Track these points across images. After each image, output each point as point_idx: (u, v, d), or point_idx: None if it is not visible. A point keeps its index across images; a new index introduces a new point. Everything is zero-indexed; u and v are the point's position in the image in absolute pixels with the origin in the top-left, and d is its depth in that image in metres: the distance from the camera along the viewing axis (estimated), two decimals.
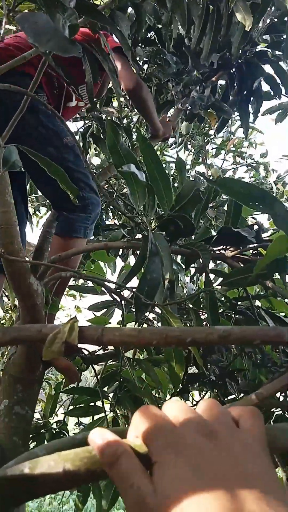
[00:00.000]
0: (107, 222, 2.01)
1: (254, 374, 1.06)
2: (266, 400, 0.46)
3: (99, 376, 1.28)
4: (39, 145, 1.23)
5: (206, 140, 2.63)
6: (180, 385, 1.05)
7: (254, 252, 0.90)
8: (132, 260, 1.80)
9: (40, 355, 1.10)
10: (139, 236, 0.93)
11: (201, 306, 0.88)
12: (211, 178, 2.33)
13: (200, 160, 2.73)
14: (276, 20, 1.44)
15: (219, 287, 0.78)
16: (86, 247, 1.02)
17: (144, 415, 0.31)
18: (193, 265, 0.95)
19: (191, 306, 0.82)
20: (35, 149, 0.76)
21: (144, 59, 1.62)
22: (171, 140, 2.34)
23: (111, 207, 1.84)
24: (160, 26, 1.46)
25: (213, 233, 0.97)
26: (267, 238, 0.86)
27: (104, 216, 1.96)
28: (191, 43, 1.27)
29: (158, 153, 2.42)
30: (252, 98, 1.57)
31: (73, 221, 1.21)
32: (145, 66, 1.74)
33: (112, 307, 1.48)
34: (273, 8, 1.41)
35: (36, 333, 0.43)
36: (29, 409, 1.03)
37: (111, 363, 1.33)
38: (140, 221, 0.86)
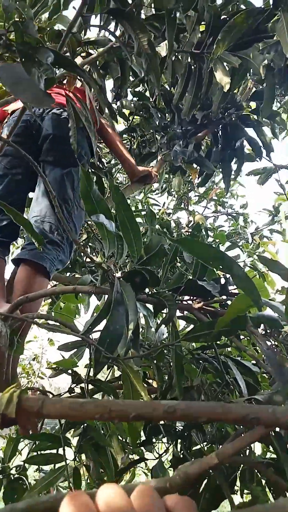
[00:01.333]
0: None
1: (221, 424, 1.04)
2: (227, 459, 0.45)
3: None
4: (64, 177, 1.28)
5: (189, 188, 2.71)
6: (144, 436, 1.02)
7: (222, 303, 0.90)
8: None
9: None
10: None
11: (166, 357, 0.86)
12: (194, 224, 2.39)
13: (182, 205, 2.79)
14: (261, 87, 1.52)
15: (184, 341, 0.77)
16: (54, 289, 1.00)
17: (73, 505, 0.29)
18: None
19: (154, 361, 0.81)
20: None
21: (130, 111, 1.69)
22: (155, 185, 2.40)
23: (89, 244, 1.85)
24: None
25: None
26: (234, 292, 0.86)
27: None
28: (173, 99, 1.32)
29: (142, 195, 2.47)
30: (234, 158, 1.65)
31: (44, 252, 1.21)
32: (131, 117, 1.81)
33: (82, 347, 1.45)
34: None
35: None
36: None
37: None
38: (107, 267, 0.86)
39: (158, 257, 0.79)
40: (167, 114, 1.69)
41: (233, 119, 1.69)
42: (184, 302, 0.89)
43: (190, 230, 2.47)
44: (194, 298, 0.88)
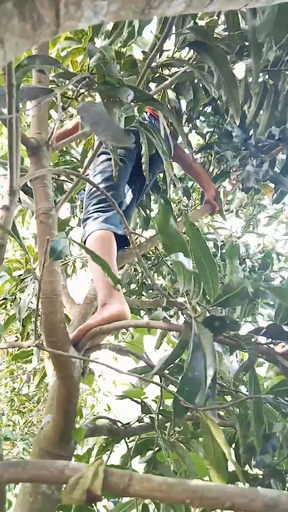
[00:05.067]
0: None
1: None
2: None
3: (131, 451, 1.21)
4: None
5: (259, 210, 2.60)
6: None
7: None
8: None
9: (71, 429, 1.07)
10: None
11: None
12: (264, 248, 2.29)
13: (251, 228, 2.68)
14: None
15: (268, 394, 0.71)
16: (128, 322, 0.99)
17: None
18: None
19: (236, 410, 0.76)
20: None
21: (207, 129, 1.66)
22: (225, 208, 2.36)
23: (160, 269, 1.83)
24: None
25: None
26: None
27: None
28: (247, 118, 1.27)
29: (209, 218, 2.42)
30: None
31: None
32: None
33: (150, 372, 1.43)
34: None
35: (58, 474, 0.40)
36: (56, 488, 0.99)
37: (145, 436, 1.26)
38: (183, 306, 0.83)
39: (238, 298, 0.74)
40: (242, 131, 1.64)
41: None
42: (265, 345, 0.83)
43: (260, 256, 2.37)
44: (275, 342, 0.82)
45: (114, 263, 1.24)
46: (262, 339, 0.86)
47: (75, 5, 0.28)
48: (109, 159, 1.46)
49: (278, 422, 0.95)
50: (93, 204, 1.40)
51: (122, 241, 1.42)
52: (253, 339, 0.82)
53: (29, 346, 0.67)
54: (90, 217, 1.35)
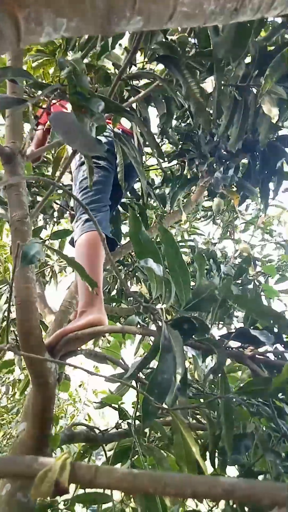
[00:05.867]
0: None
1: (277, 471, 0.98)
2: None
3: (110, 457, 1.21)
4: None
5: (235, 216, 2.67)
6: None
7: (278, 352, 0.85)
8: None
9: (47, 436, 1.06)
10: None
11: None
12: (240, 253, 2.34)
13: (228, 234, 2.74)
14: None
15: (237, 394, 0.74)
16: (102, 328, 1.01)
17: None
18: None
19: (205, 410, 0.78)
20: None
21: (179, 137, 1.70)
22: (201, 214, 2.40)
23: (136, 274, 1.85)
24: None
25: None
26: None
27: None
28: (217, 130, 1.31)
29: (187, 224, 2.47)
30: (273, 177, 1.60)
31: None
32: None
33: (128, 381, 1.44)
34: None
35: (25, 468, 0.41)
36: (31, 496, 0.98)
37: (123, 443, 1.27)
38: (155, 311, 0.85)
39: (207, 302, 0.77)
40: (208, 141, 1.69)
41: (272, 139, 1.65)
42: (235, 349, 0.85)
43: (237, 261, 2.42)
44: (245, 345, 0.85)
45: (100, 265, 1.25)
46: (235, 344, 0.89)
47: (35, 21, 0.30)
48: (95, 167, 1.48)
49: (250, 423, 0.97)
50: (86, 204, 1.40)
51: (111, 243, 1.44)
52: (223, 344, 0.84)
53: (1, 350, 0.68)
54: (80, 218, 1.36)
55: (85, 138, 0.77)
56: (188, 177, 1.88)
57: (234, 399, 0.80)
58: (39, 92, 0.78)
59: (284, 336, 0.79)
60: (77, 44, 1.36)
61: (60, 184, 0.88)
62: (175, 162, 1.94)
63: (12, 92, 1.08)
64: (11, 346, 0.62)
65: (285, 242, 2.75)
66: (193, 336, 0.81)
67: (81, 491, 1.17)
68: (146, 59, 1.27)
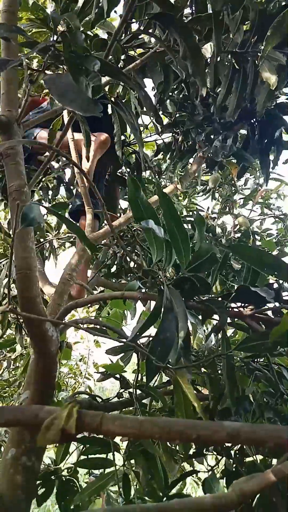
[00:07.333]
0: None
1: None
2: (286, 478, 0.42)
3: None
4: None
5: (233, 190, 2.64)
6: (194, 449, 1.00)
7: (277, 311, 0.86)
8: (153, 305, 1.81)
9: (49, 404, 1.08)
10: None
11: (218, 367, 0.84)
12: (239, 227, 2.33)
13: (227, 209, 2.72)
14: None
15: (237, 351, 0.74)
16: (103, 295, 1.01)
17: None
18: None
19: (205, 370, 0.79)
20: None
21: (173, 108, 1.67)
22: (198, 188, 2.38)
23: (136, 250, 1.84)
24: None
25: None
26: None
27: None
28: (217, 99, 1.28)
29: (186, 200, 2.45)
30: (272, 147, 1.58)
31: None
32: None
33: (129, 351, 1.45)
34: None
35: (32, 418, 0.41)
36: (36, 459, 1.00)
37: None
38: (156, 274, 0.85)
39: (208, 264, 0.77)
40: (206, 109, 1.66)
41: (270, 107, 1.61)
42: (235, 309, 0.86)
43: (236, 235, 2.40)
44: (245, 305, 0.85)
45: None
46: (234, 305, 0.89)
47: None
48: None
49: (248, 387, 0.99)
50: None
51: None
52: (224, 304, 0.85)
53: (3, 312, 0.68)
54: None
55: (81, 98, 0.75)
56: (182, 148, 1.85)
57: (234, 358, 0.81)
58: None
59: (284, 294, 0.79)
60: (70, 10, 1.32)
61: (58, 149, 0.86)
62: (169, 134, 1.91)
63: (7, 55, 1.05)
64: (13, 307, 0.62)
65: (283, 216, 2.74)
66: (195, 298, 0.81)
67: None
68: (142, 27, 1.24)
